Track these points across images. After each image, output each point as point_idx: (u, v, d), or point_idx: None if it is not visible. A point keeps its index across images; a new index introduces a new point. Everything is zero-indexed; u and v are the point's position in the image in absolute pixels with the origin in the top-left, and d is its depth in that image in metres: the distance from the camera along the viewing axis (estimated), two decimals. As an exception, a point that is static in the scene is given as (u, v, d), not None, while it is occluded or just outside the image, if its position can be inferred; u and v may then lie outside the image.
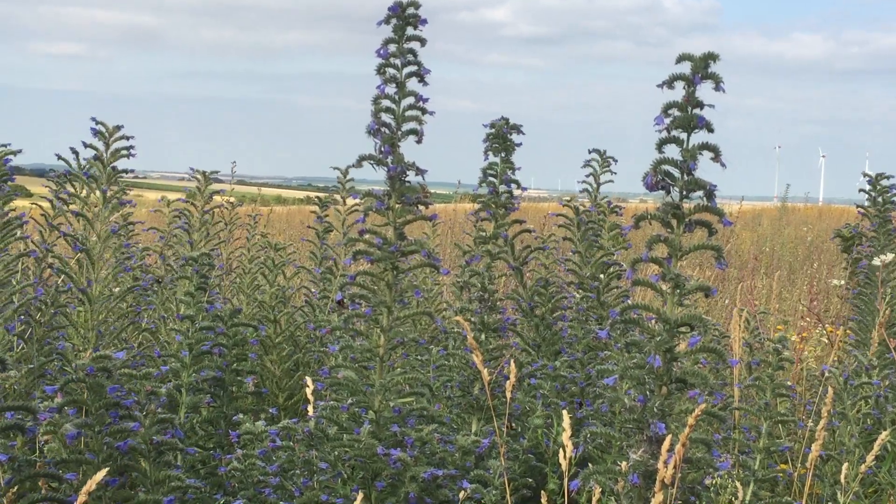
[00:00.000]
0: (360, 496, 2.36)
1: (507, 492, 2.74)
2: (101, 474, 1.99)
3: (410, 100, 3.23)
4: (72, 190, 4.46)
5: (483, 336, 3.90)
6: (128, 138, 4.37)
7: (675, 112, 2.49)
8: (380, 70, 3.21)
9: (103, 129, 4.32)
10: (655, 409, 2.54)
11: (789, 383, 3.41)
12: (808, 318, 6.20)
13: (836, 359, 4.66)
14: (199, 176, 5.53)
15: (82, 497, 1.99)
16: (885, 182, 5.25)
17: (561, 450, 2.32)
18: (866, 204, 5.36)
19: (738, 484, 2.91)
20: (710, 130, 2.48)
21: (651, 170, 2.50)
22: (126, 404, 2.68)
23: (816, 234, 12.80)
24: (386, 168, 3.21)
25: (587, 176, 5.18)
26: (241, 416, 3.31)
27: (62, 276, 4.29)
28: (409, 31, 3.22)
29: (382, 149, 3.20)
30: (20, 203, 4.59)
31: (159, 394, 2.78)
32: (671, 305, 2.55)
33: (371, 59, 3.23)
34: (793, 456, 3.51)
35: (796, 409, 4.09)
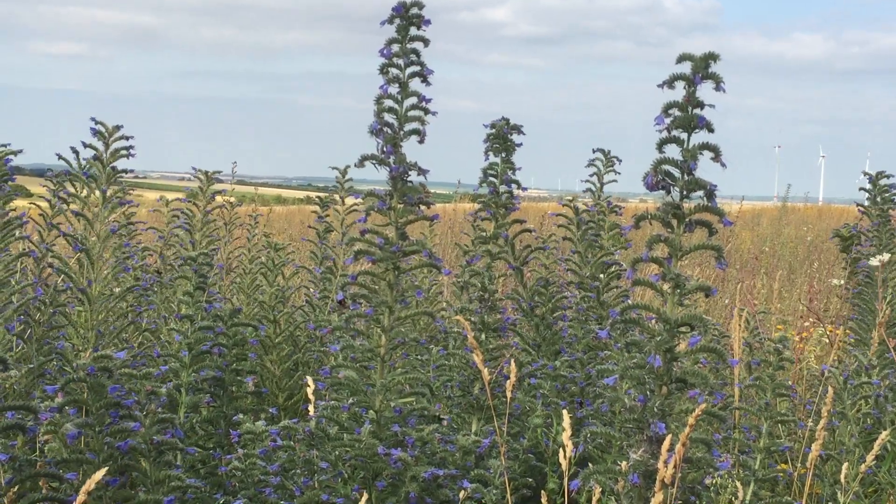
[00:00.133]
0: (363, 498, 2.36)
1: (508, 491, 2.74)
2: (100, 474, 1.99)
3: (413, 100, 3.23)
4: (72, 190, 4.45)
5: (483, 336, 3.90)
6: (127, 138, 4.36)
7: (676, 112, 2.49)
8: (382, 70, 3.21)
9: (103, 129, 4.32)
10: (656, 409, 2.54)
11: (789, 383, 3.41)
12: (808, 318, 6.20)
13: (835, 358, 4.66)
14: (201, 176, 5.53)
15: (82, 496, 1.99)
16: (884, 181, 5.25)
17: (561, 449, 2.32)
18: (866, 203, 5.35)
19: (738, 484, 2.91)
20: (711, 130, 2.48)
21: (651, 169, 2.50)
22: (127, 404, 2.69)
23: (816, 234, 12.80)
24: (388, 168, 3.21)
25: (591, 175, 5.18)
26: (241, 415, 3.31)
27: (62, 276, 4.29)
28: (413, 31, 3.22)
29: (385, 149, 3.20)
30: (20, 203, 4.58)
31: (159, 394, 2.78)
32: (671, 305, 2.55)
33: (372, 58, 3.23)
34: (793, 456, 3.51)
35: (796, 408, 4.09)
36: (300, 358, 4.89)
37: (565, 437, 2.33)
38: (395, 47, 3.21)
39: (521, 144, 4.14)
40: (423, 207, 3.27)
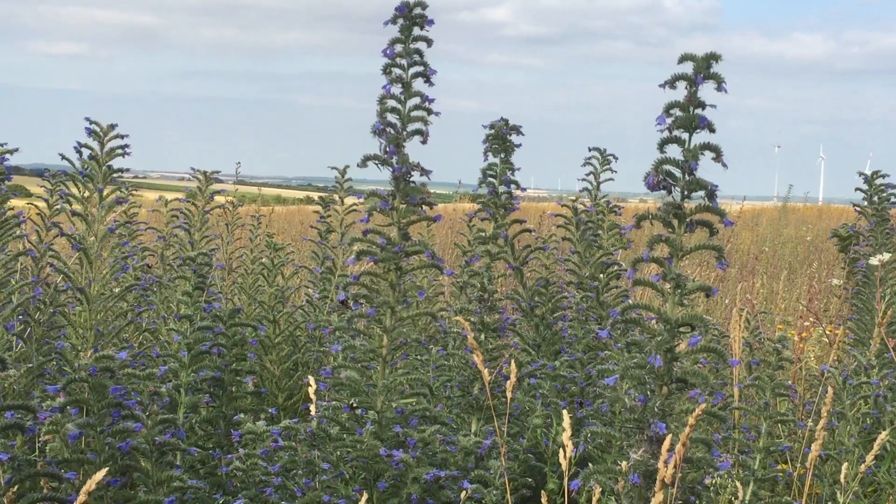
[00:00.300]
0: (363, 498, 2.36)
1: (508, 492, 2.74)
2: (101, 474, 1.99)
3: (416, 100, 3.23)
4: (73, 190, 4.45)
5: (482, 336, 3.90)
6: (122, 137, 4.36)
7: (677, 112, 2.49)
8: (386, 70, 3.21)
9: (98, 129, 4.31)
10: (656, 409, 2.54)
11: (789, 383, 3.41)
12: (807, 318, 6.21)
13: (835, 358, 4.66)
14: (200, 176, 5.53)
15: (82, 497, 1.99)
16: (880, 181, 5.27)
17: (561, 449, 2.32)
18: (863, 203, 5.37)
19: (737, 483, 2.91)
20: (712, 130, 2.48)
21: (653, 169, 2.50)
22: (128, 404, 2.68)
23: (816, 234, 12.81)
24: (391, 168, 3.20)
25: (587, 174, 5.18)
26: (241, 416, 3.31)
27: (61, 276, 4.28)
28: (416, 31, 3.22)
29: (388, 149, 3.19)
30: (17, 202, 4.58)
31: (162, 394, 2.78)
32: (672, 305, 2.55)
33: (372, 58, 3.23)
34: (792, 455, 3.51)
35: (796, 408, 4.09)
36: (300, 358, 4.89)
37: (565, 437, 2.33)
38: (399, 47, 3.21)
39: (520, 145, 4.14)
40: (425, 208, 3.27)
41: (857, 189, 5.37)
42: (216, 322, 3.73)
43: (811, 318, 6.09)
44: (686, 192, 2.51)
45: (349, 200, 5.50)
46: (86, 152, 4.32)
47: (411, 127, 3.23)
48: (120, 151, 4.36)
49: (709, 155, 2.48)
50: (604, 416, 3.70)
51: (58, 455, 2.67)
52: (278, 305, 5.06)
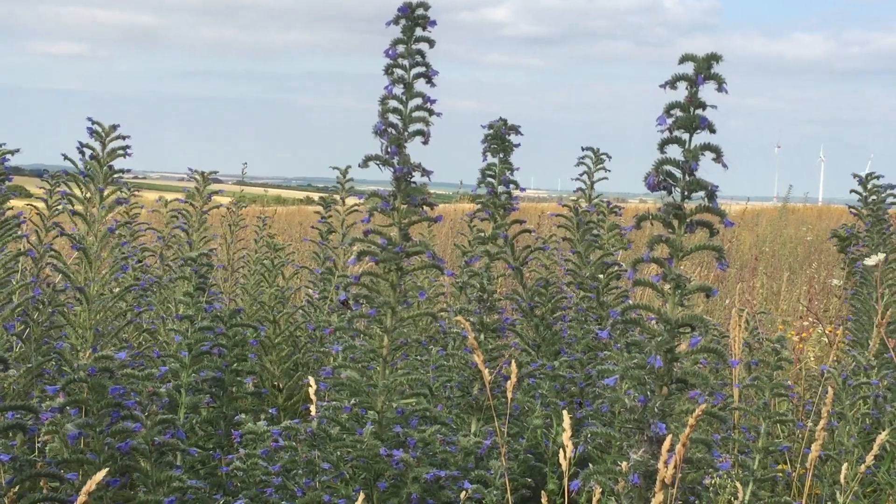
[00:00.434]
0: (360, 498, 2.36)
1: (508, 492, 2.74)
2: (101, 474, 1.99)
3: (418, 101, 3.23)
4: (73, 190, 4.45)
5: (482, 336, 3.90)
6: (124, 137, 4.36)
7: (678, 112, 2.50)
8: (388, 70, 3.21)
9: (99, 129, 4.32)
10: (656, 410, 2.54)
11: (788, 383, 3.41)
12: (807, 318, 6.21)
13: (834, 359, 4.67)
14: (197, 176, 5.53)
15: (82, 497, 1.99)
16: (874, 182, 5.31)
17: (561, 450, 2.33)
18: (859, 205, 5.40)
19: (737, 484, 2.91)
20: (713, 131, 2.48)
21: (653, 170, 2.50)
22: (128, 405, 2.69)
23: (816, 235, 12.81)
24: (392, 169, 3.20)
25: (581, 174, 5.17)
26: (242, 416, 3.32)
27: (60, 276, 4.28)
28: (418, 32, 3.22)
29: (389, 149, 3.19)
30: (17, 203, 4.58)
31: (161, 394, 2.78)
32: (672, 306, 2.55)
33: (372, 58, 3.23)
34: (792, 456, 3.52)
35: (796, 409, 4.10)
36: (300, 358, 4.89)
37: (565, 437, 2.33)
38: (401, 48, 3.21)
39: (518, 145, 4.14)
40: (426, 208, 3.27)
41: (851, 191, 5.41)
42: (217, 322, 3.73)
43: (810, 319, 6.09)
44: (686, 193, 2.51)
45: (351, 201, 5.50)
46: (87, 152, 4.33)
47: (413, 127, 3.23)
48: (121, 152, 4.36)
49: (709, 155, 2.49)
50: (603, 417, 3.70)
51: (57, 455, 2.67)
52: (278, 306, 5.06)
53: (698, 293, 2.59)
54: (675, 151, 2.51)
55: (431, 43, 3.23)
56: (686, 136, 2.50)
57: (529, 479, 3.46)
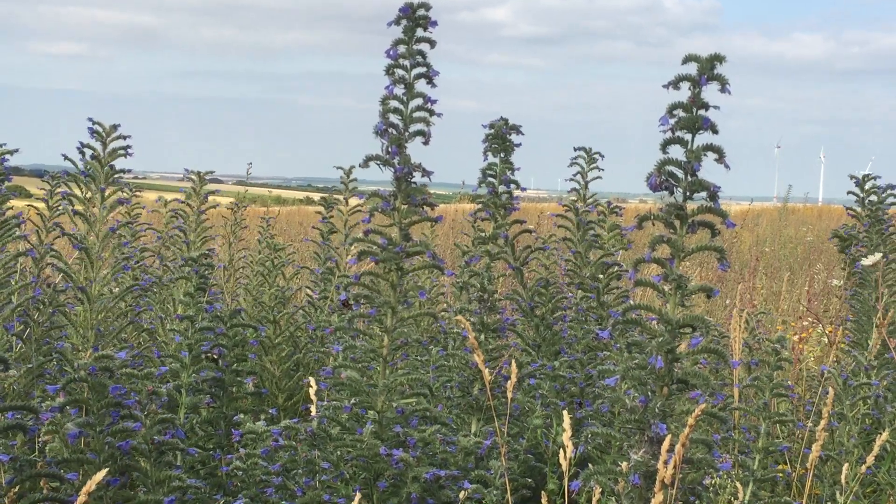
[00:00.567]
0: (357, 497, 2.36)
1: (508, 492, 2.74)
2: (101, 474, 1.99)
3: (419, 101, 3.23)
4: (73, 190, 4.45)
5: (482, 336, 3.90)
6: (125, 137, 4.36)
7: (681, 113, 2.49)
8: (388, 71, 3.21)
9: (100, 129, 4.32)
10: (657, 410, 2.54)
11: (788, 383, 3.41)
12: (807, 318, 6.21)
13: (834, 359, 4.67)
14: (193, 176, 5.53)
15: (83, 497, 1.99)
16: (871, 183, 5.33)
17: (561, 450, 2.32)
18: (856, 206, 5.41)
19: (737, 484, 2.91)
20: (715, 132, 2.48)
21: (655, 170, 2.50)
22: (128, 404, 2.68)
23: (816, 235, 12.81)
24: (393, 169, 3.20)
25: (574, 175, 5.16)
26: (242, 416, 3.31)
27: (61, 276, 4.28)
28: (419, 32, 3.22)
29: (390, 149, 3.19)
30: (17, 203, 4.58)
31: (161, 394, 2.78)
32: (673, 306, 2.55)
33: (372, 58, 3.23)
34: (792, 456, 3.52)
35: (796, 409, 4.09)
36: (300, 359, 4.89)
37: (565, 437, 2.33)
38: (402, 48, 3.21)
39: (519, 145, 4.14)
40: (427, 208, 3.27)
41: (849, 192, 5.43)
42: (217, 323, 3.73)
43: (810, 319, 6.09)
44: (688, 193, 2.51)
45: (354, 201, 5.51)
46: (88, 152, 4.33)
47: (413, 128, 3.23)
48: (122, 152, 4.36)
49: (711, 156, 2.48)
50: (604, 417, 3.70)
51: (57, 455, 2.67)
52: (279, 306, 5.06)
53: (699, 293, 2.59)
54: (677, 152, 2.51)
55: (432, 43, 3.23)
56: (688, 137, 2.50)
57: (529, 480, 3.46)
